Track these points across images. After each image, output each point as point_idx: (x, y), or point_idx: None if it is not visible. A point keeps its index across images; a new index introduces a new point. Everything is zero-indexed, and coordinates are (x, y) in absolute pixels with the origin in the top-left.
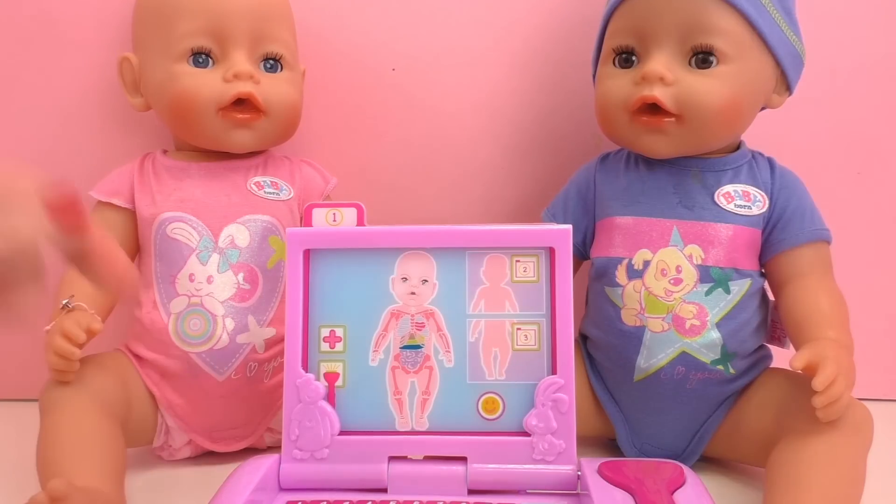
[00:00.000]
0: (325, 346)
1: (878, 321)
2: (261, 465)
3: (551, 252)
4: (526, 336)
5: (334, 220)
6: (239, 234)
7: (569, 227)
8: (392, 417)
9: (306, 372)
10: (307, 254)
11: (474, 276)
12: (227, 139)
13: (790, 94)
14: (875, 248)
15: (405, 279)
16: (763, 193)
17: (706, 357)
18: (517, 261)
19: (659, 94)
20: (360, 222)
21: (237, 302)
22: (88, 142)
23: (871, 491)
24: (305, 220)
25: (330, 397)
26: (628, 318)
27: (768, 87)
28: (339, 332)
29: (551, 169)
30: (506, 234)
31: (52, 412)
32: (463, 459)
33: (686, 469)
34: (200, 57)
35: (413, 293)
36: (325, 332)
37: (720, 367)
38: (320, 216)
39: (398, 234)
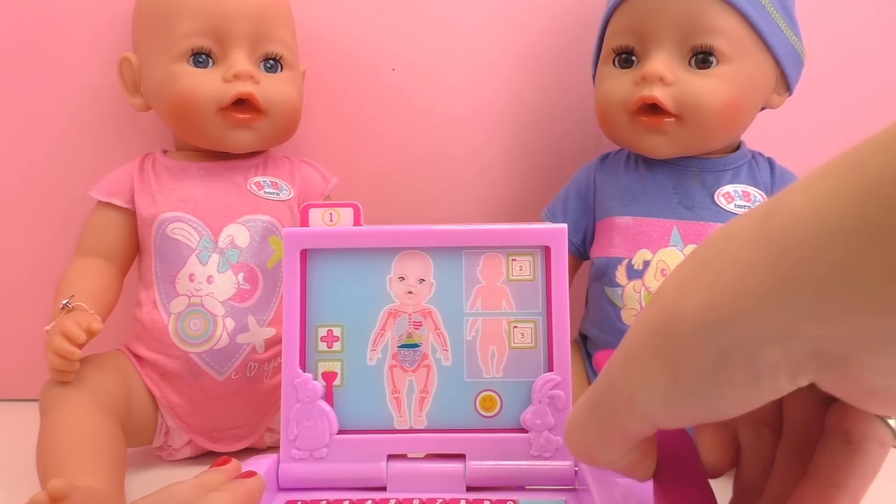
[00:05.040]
0: (322, 346)
1: None
2: (259, 466)
3: (547, 251)
4: (522, 334)
5: (331, 220)
6: (239, 234)
7: (564, 225)
8: (390, 416)
9: (304, 372)
10: (304, 254)
11: (471, 275)
12: (226, 139)
13: (790, 94)
14: None
15: (402, 278)
16: (763, 194)
17: None
18: (513, 259)
19: (659, 94)
20: (356, 222)
21: (237, 302)
22: (88, 142)
23: (871, 491)
24: (302, 220)
25: (328, 397)
26: (628, 319)
27: (768, 88)
28: (337, 331)
29: (551, 169)
30: (502, 234)
31: (52, 412)
32: (461, 457)
33: None
34: (200, 57)
35: (410, 292)
36: (322, 331)
37: None
38: (317, 216)
39: (395, 234)
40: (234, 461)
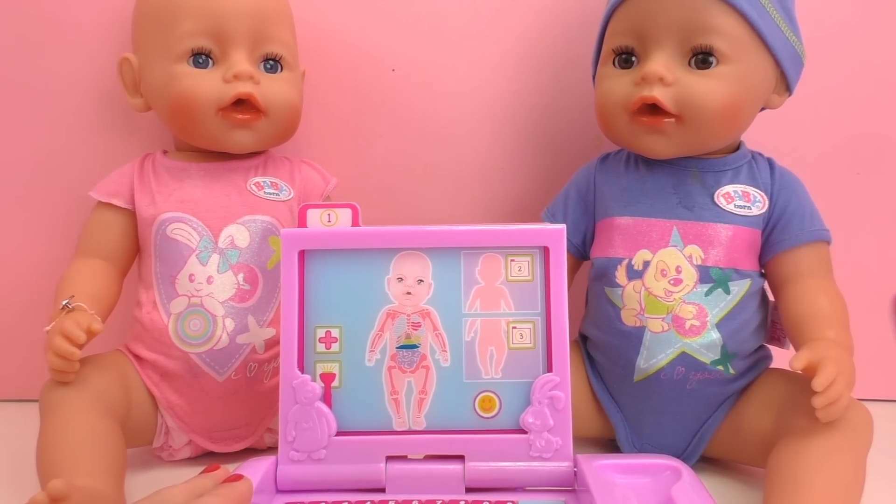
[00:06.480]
0: (321, 347)
1: (878, 321)
2: (258, 468)
3: (545, 251)
4: (521, 335)
5: (329, 221)
6: (239, 234)
7: (562, 226)
8: (389, 417)
9: (302, 373)
10: (302, 255)
11: (469, 276)
12: (226, 139)
13: (790, 94)
14: (875, 248)
15: (401, 279)
16: (763, 194)
17: (706, 357)
18: (512, 260)
19: (659, 94)
20: (355, 223)
21: (237, 302)
22: (88, 142)
23: (870, 491)
24: (300, 220)
25: (326, 398)
26: (628, 319)
27: (768, 88)
28: (335, 332)
29: (551, 169)
30: (500, 234)
31: (52, 412)
32: (460, 458)
33: (683, 465)
34: (200, 57)
35: (409, 293)
36: (320, 332)
37: (720, 367)
38: (315, 217)
39: (393, 235)
40: (222, 467)
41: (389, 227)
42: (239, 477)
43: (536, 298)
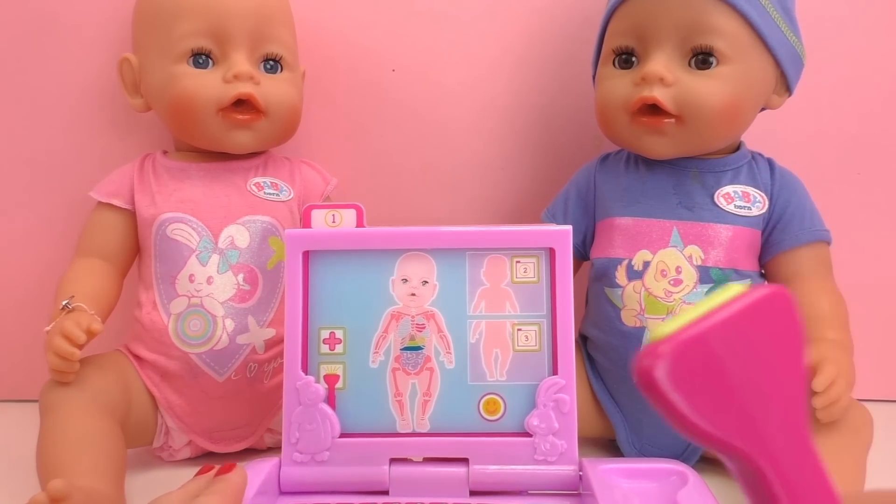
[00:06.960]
0: (324, 348)
1: (878, 322)
2: (261, 469)
3: (551, 253)
4: (527, 337)
5: (333, 222)
6: (239, 234)
7: (569, 227)
8: (393, 419)
9: (306, 374)
10: (306, 255)
11: (474, 277)
12: (226, 140)
13: (790, 94)
14: (875, 248)
15: (405, 280)
16: (763, 194)
17: None
18: (517, 261)
19: (659, 94)
20: (359, 223)
21: (237, 303)
22: (89, 142)
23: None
24: (304, 221)
25: (330, 399)
26: (628, 319)
27: (768, 88)
28: (339, 333)
29: (551, 169)
30: (506, 235)
31: (52, 412)
32: (464, 461)
33: (689, 470)
34: (200, 58)
35: (413, 294)
36: (324, 333)
37: None
38: (319, 217)
39: (398, 236)
40: (215, 468)
41: (394, 227)
42: (231, 467)
43: (542, 300)
